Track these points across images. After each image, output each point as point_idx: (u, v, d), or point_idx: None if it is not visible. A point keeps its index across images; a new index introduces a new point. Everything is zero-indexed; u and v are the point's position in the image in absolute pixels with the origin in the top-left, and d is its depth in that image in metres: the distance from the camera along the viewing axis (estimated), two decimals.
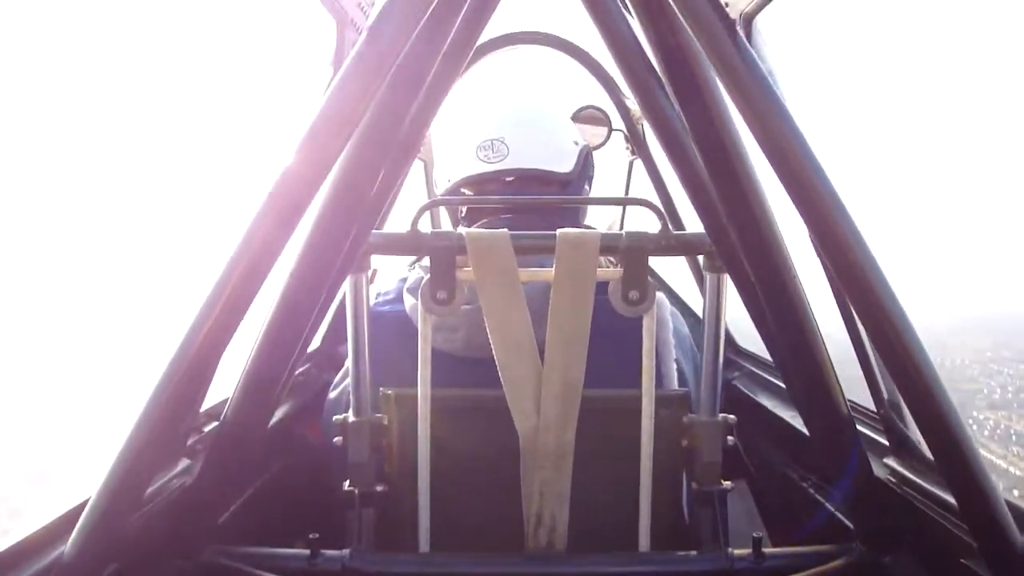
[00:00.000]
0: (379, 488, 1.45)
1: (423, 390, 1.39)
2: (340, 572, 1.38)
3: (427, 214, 1.45)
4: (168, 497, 1.38)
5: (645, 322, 1.38)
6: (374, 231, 1.37)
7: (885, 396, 1.48)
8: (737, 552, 1.39)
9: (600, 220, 3.37)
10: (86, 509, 1.14)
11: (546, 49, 2.77)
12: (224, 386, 1.40)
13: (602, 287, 1.37)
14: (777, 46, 1.49)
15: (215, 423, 1.53)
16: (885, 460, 1.48)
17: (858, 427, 1.50)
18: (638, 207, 1.47)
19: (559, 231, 1.34)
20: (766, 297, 1.30)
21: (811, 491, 1.81)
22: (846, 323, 1.45)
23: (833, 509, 1.66)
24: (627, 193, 3.17)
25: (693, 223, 1.37)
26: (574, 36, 2.75)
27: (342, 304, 1.53)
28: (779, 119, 1.02)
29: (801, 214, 1.07)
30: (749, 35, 1.47)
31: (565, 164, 1.70)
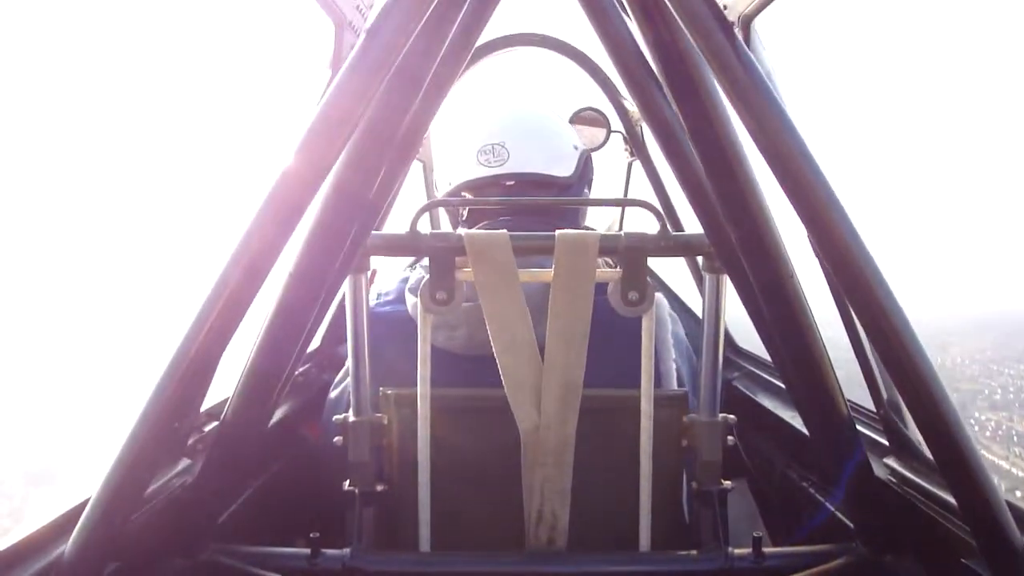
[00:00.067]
0: (379, 488, 1.45)
1: (423, 390, 1.39)
2: (340, 571, 1.38)
3: (426, 215, 1.45)
4: (168, 496, 1.38)
5: (644, 322, 1.38)
6: (373, 232, 1.38)
7: (885, 396, 1.48)
8: (737, 551, 1.39)
9: (599, 222, 3.37)
10: (87, 508, 1.14)
11: (544, 51, 2.77)
12: (225, 386, 1.40)
13: (601, 288, 1.38)
14: (776, 48, 1.49)
15: (215, 423, 1.53)
16: (885, 460, 1.48)
17: (858, 427, 1.50)
18: (637, 209, 1.47)
19: (558, 232, 1.35)
20: (765, 297, 1.30)
21: (811, 491, 1.81)
22: (845, 323, 1.45)
23: (833, 509, 1.66)
24: (626, 194, 3.18)
25: (692, 224, 1.37)
26: (573, 38, 2.75)
27: (342, 304, 1.53)
28: (777, 121, 1.02)
29: (799, 215, 1.07)
30: (747, 37, 1.47)
31: (565, 168, 1.71)
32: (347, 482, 1.46)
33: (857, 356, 1.49)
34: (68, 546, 1.15)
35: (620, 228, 2.67)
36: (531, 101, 1.83)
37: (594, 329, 1.35)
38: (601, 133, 2.74)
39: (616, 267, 1.40)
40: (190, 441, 1.51)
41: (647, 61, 1.18)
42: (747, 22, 1.46)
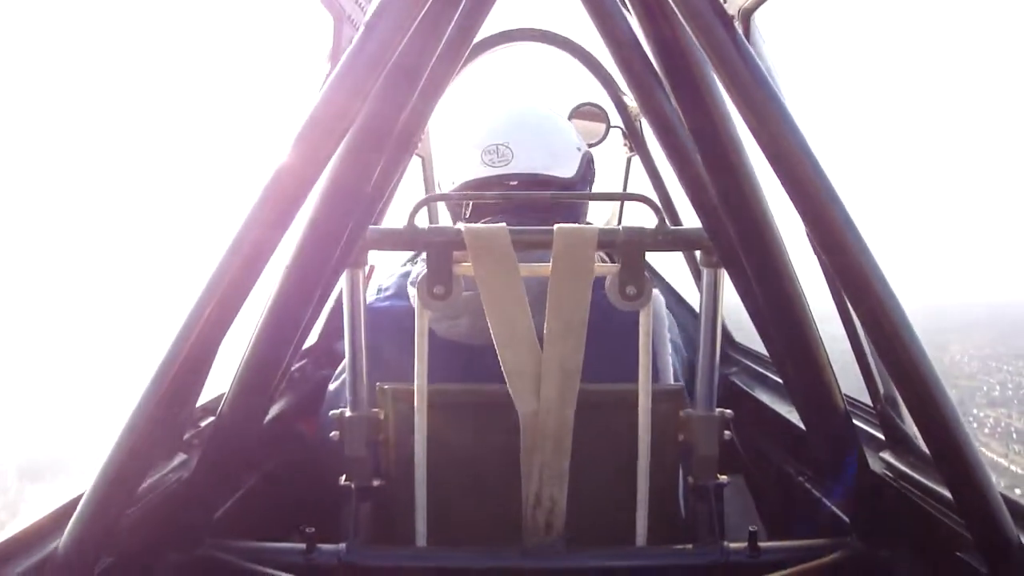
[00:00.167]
0: (375, 483, 1.45)
1: (419, 384, 1.39)
2: (336, 566, 1.38)
3: (425, 211, 1.45)
4: (164, 491, 1.38)
5: (642, 317, 1.38)
6: (371, 226, 1.38)
7: (881, 391, 1.48)
8: (733, 546, 1.39)
9: (598, 217, 3.37)
10: (81, 502, 1.14)
11: (544, 46, 2.77)
12: (222, 381, 1.40)
13: (599, 284, 1.38)
14: (776, 41, 1.49)
15: (211, 418, 1.53)
16: (881, 455, 1.48)
17: (854, 422, 1.50)
18: (636, 205, 1.47)
19: (557, 226, 1.35)
20: (763, 292, 1.30)
21: (807, 485, 1.81)
22: (842, 318, 1.45)
23: (829, 503, 1.67)
24: (625, 189, 3.17)
25: (691, 220, 1.37)
26: (572, 33, 2.75)
27: (340, 299, 1.53)
28: (776, 115, 1.02)
29: (798, 210, 1.07)
30: (747, 31, 1.47)
31: (568, 169, 1.72)
32: (343, 477, 1.45)
33: (854, 350, 1.49)
34: (62, 540, 1.14)
35: (619, 223, 2.68)
36: (534, 101, 1.83)
37: (591, 324, 1.35)
38: (600, 128, 2.74)
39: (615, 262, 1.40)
40: (186, 436, 1.51)
41: (647, 56, 1.18)
42: (747, 16, 1.46)
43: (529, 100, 1.83)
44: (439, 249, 1.36)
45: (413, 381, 1.40)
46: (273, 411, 1.94)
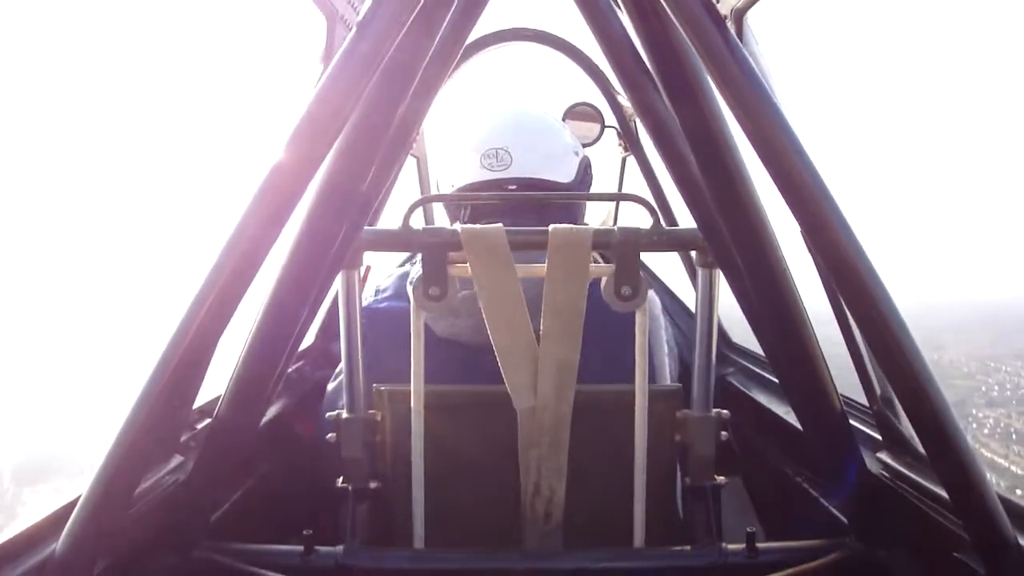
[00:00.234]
0: (372, 484, 1.45)
1: (416, 386, 1.39)
2: (333, 568, 1.38)
3: (420, 212, 1.45)
4: (161, 494, 1.38)
5: (638, 317, 1.38)
6: (366, 227, 1.37)
7: (878, 392, 1.48)
8: (730, 547, 1.39)
9: (594, 218, 3.37)
10: (78, 505, 1.14)
11: (538, 46, 2.77)
12: (219, 383, 1.40)
13: (594, 285, 1.38)
14: (770, 41, 1.49)
15: (208, 420, 1.53)
16: (878, 455, 1.48)
17: (851, 422, 1.50)
18: (632, 206, 1.47)
19: (552, 227, 1.35)
20: (758, 292, 1.30)
21: (805, 486, 1.81)
22: (838, 318, 1.45)
23: (827, 504, 1.67)
24: (620, 190, 3.17)
25: (686, 220, 1.37)
26: (565, 34, 2.75)
27: (337, 300, 1.53)
28: (769, 115, 1.02)
29: (792, 210, 1.07)
30: (740, 31, 1.47)
31: (566, 173, 1.72)
32: (340, 479, 1.45)
33: (850, 351, 1.49)
34: (59, 543, 1.14)
35: (614, 224, 2.68)
36: (533, 105, 1.84)
37: (587, 326, 1.35)
38: (595, 128, 2.74)
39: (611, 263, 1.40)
40: (183, 438, 1.51)
41: (640, 56, 1.18)
42: (739, 16, 1.46)
43: (527, 104, 1.84)
44: (435, 250, 1.36)
45: (411, 382, 1.40)
46: (270, 413, 1.94)
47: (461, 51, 1.33)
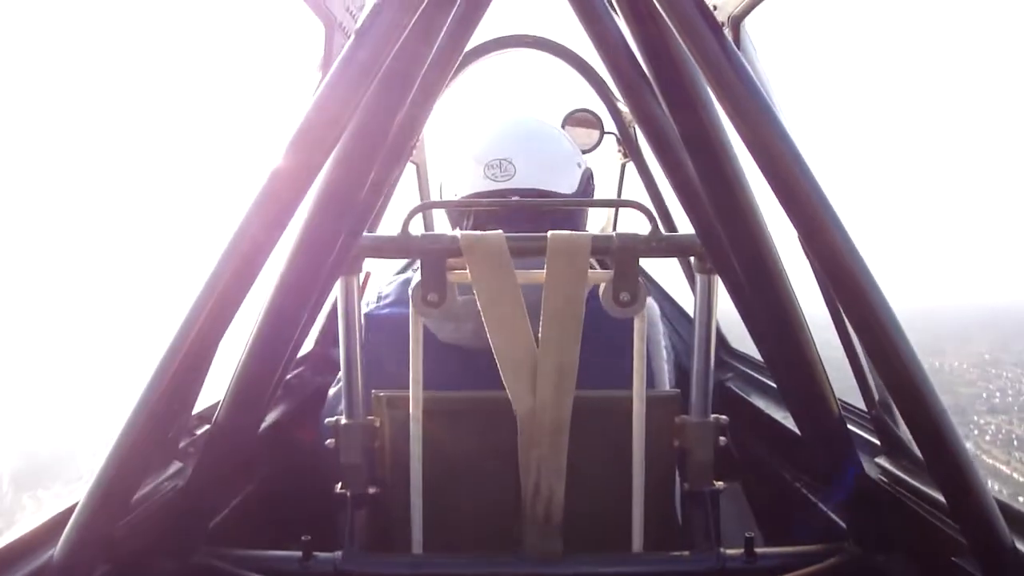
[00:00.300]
0: (371, 490, 1.45)
1: (415, 391, 1.39)
2: (332, 574, 1.38)
3: (420, 219, 1.45)
4: (160, 499, 1.38)
5: (636, 323, 1.39)
6: (365, 233, 1.38)
7: (876, 397, 1.49)
8: (729, 552, 1.39)
9: (594, 226, 3.38)
10: (76, 511, 1.14)
11: (538, 53, 2.77)
12: (219, 389, 1.40)
13: (593, 292, 1.38)
14: (767, 47, 1.50)
15: (207, 426, 1.53)
16: (877, 460, 1.48)
17: (850, 427, 1.50)
18: (632, 213, 1.48)
19: (550, 232, 1.35)
20: (756, 298, 1.30)
21: (803, 491, 1.81)
22: (835, 324, 1.46)
23: (825, 509, 1.67)
24: (619, 196, 3.18)
25: (686, 227, 1.38)
26: (564, 40, 2.75)
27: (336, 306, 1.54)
28: (767, 121, 1.02)
29: (789, 216, 1.08)
30: (737, 38, 1.48)
31: (568, 185, 1.73)
32: (339, 485, 1.46)
33: (848, 356, 1.49)
34: (58, 548, 1.14)
35: (614, 230, 2.68)
36: (536, 116, 1.85)
37: (586, 333, 1.35)
38: (595, 135, 2.75)
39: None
40: (182, 444, 1.51)
41: (638, 63, 1.19)
42: (736, 23, 1.46)
43: (531, 115, 1.85)
44: (434, 256, 1.36)
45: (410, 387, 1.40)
46: (270, 418, 1.94)
47: (460, 58, 1.33)
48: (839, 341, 1.50)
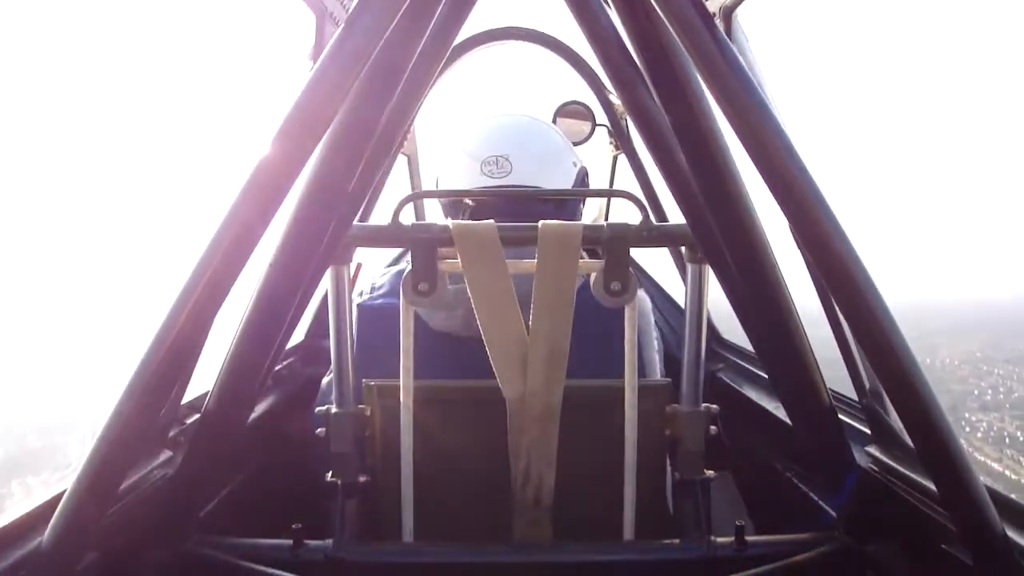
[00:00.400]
0: (362, 479, 1.45)
1: (405, 380, 1.39)
2: (323, 562, 1.38)
3: (411, 210, 1.45)
4: (150, 488, 1.38)
5: (627, 313, 1.39)
6: (355, 223, 1.38)
7: (867, 386, 1.49)
8: (720, 540, 1.40)
9: (586, 219, 3.37)
10: (64, 497, 1.13)
11: (529, 45, 2.77)
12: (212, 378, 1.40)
13: (584, 284, 1.39)
14: (763, 36, 1.50)
15: (197, 415, 1.53)
16: (867, 448, 1.48)
17: (840, 417, 1.50)
18: (623, 206, 1.48)
19: (541, 222, 1.35)
20: (747, 288, 1.30)
21: (794, 480, 1.82)
22: (827, 313, 1.46)
23: (816, 498, 1.67)
24: (611, 187, 3.18)
25: (677, 219, 1.38)
26: (555, 32, 2.75)
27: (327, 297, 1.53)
28: (758, 111, 1.02)
29: (781, 206, 1.08)
30: (728, 28, 1.48)
31: (564, 182, 1.75)
32: (330, 473, 1.46)
33: (839, 345, 1.49)
34: (46, 536, 1.14)
35: (605, 220, 2.68)
36: (532, 114, 1.87)
37: (576, 323, 1.36)
38: (586, 127, 2.75)
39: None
40: (171, 433, 1.50)
41: (629, 53, 1.19)
42: (728, 13, 1.46)
43: (527, 113, 1.86)
44: (424, 245, 1.36)
45: (415, 377, 1.41)
46: (260, 408, 1.94)
47: (450, 49, 1.33)
48: (831, 334, 1.50)
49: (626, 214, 1.50)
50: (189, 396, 1.55)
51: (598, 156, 3.12)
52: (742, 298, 1.34)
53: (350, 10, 1.04)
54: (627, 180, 2.95)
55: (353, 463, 1.45)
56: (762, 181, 1.06)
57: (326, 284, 1.44)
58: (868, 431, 1.53)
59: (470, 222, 1.38)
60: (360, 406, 1.46)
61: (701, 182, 1.22)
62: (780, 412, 1.94)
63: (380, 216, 2.28)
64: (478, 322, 1.36)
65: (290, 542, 1.39)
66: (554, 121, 2.71)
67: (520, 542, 1.41)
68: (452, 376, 1.49)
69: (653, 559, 1.41)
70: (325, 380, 1.72)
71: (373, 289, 1.70)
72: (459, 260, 1.35)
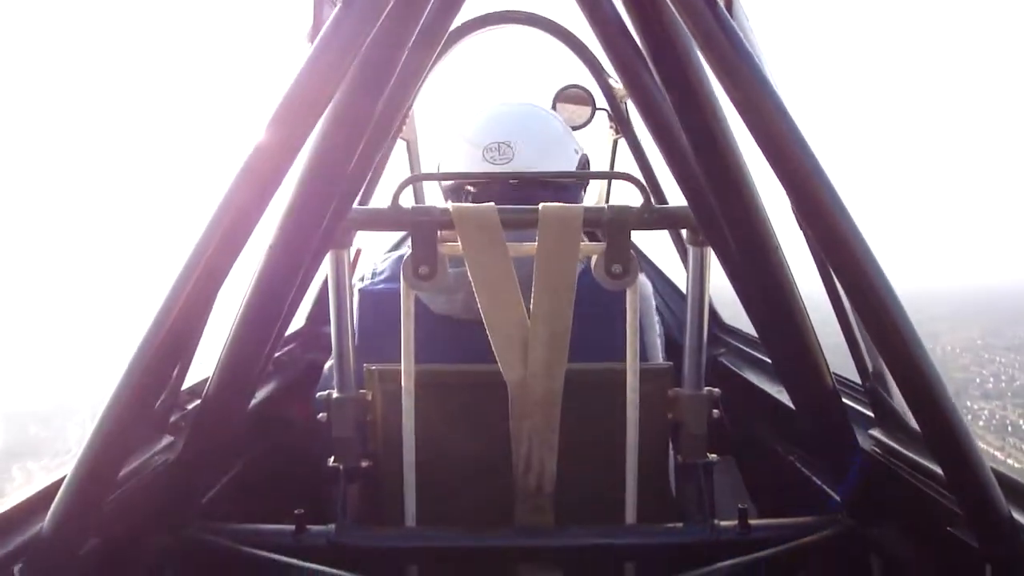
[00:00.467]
0: (364, 464, 1.45)
1: (407, 365, 1.39)
2: (325, 547, 1.38)
3: (411, 194, 1.45)
4: (151, 473, 1.38)
5: (628, 296, 1.38)
6: (354, 206, 1.37)
7: (870, 368, 1.48)
8: (723, 524, 1.40)
9: (587, 204, 3.37)
10: (64, 483, 1.13)
11: (528, 29, 2.76)
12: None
13: (586, 268, 1.38)
14: (761, 19, 1.48)
15: (198, 400, 1.53)
16: (871, 432, 1.48)
17: (843, 400, 1.50)
18: (624, 191, 1.48)
19: (542, 205, 1.35)
20: (749, 270, 1.30)
21: (797, 464, 1.81)
22: (830, 295, 1.45)
23: (819, 482, 1.67)
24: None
25: (678, 202, 1.37)
26: (556, 15, 2.73)
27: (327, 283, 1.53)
28: (762, 92, 1.01)
29: (784, 186, 1.07)
30: (730, 7, 1.47)
31: (565, 169, 1.75)
32: (331, 458, 1.45)
33: (842, 327, 1.48)
34: (46, 521, 1.13)
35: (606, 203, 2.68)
36: (534, 102, 1.87)
37: (578, 307, 1.35)
38: (586, 111, 2.74)
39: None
40: (172, 418, 1.50)
41: (631, 35, 1.18)
42: None
43: (529, 101, 1.86)
44: (424, 228, 1.36)
45: (416, 362, 1.40)
46: (261, 394, 1.94)
47: (448, 31, 1.32)
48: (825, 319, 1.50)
49: (626, 202, 1.51)
50: (191, 381, 1.54)
51: (598, 141, 3.11)
52: (744, 280, 1.33)
53: None
54: (626, 166, 2.95)
55: (355, 448, 1.45)
56: (764, 162, 1.05)
57: (326, 269, 1.44)
58: (871, 414, 1.52)
59: (470, 205, 1.38)
60: (361, 391, 1.46)
61: (703, 164, 1.21)
62: (782, 396, 1.93)
63: (380, 202, 2.28)
64: (479, 305, 1.35)
65: (292, 527, 1.38)
66: (553, 106, 2.71)
67: (521, 525, 1.41)
68: (453, 360, 1.49)
69: (656, 543, 1.41)
70: (327, 365, 1.72)
71: (374, 274, 1.70)
72: (459, 243, 1.34)
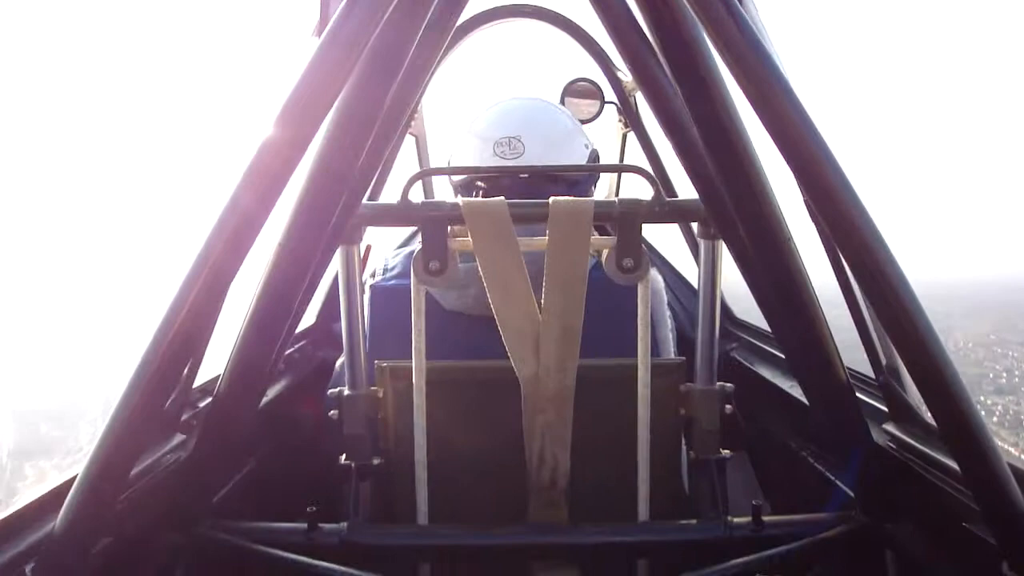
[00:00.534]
0: (375, 461, 1.45)
1: (417, 362, 1.38)
2: (337, 545, 1.38)
3: (420, 189, 1.44)
4: (163, 472, 1.38)
5: (640, 290, 1.38)
6: (364, 202, 1.36)
7: (884, 362, 1.47)
8: (736, 520, 1.39)
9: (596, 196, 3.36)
10: (76, 482, 1.13)
11: (536, 23, 2.75)
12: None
13: (596, 264, 1.38)
14: (773, 10, 1.47)
15: (210, 399, 1.53)
16: (884, 426, 1.47)
17: (857, 395, 1.48)
18: (634, 185, 1.47)
19: (552, 199, 1.34)
20: (762, 264, 1.28)
21: (811, 460, 1.80)
22: (843, 288, 1.44)
23: (833, 478, 1.66)
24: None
25: (687, 195, 1.36)
26: (563, 8, 2.73)
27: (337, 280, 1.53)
28: (774, 84, 1.00)
29: (796, 179, 1.06)
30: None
31: (576, 163, 1.74)
32: (343, 456, 1.45)
33: (855, 322, 1.47)
34: (59, 520, 1.14)
35: (616, 196, 2.67)
36: (544, 97, 1.88)
37: (589, 303, 1.35)
38: (595, 105, 2.73)
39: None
40: (184, 417, 1.50)
41: (641, 28, 1.17)
42: None
43: (539, 96, 1.87)
44: (435, 223, 1.35)
45: (427, 358, 1.40)
46: (272, 391, 1.94)
47: (456, 24, 1.32)
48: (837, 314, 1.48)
49: (636, 191, 1.50)
50: (202, 379, 1.54)
51: (607, 135, 3.10)
52: (756, 273, 1.32)
53: None
54: (635, 160, 2.93)
55: (366, 445, 1.45)
56: (776, 154, 1.04)
57: (336, 266, 1.43)
58: (885, 409, 1.51)
59: (480, 200, 1.37)
60: (373, 388, 1.45)
61: (714, 156, 1.20)
62: (795, 391, 1.92)
63: (389, 198, 2.27)
64: (490, 301, 1.35)
65: (304, 525, 1.38)
66: (562, 100, 2.71)
67: (535, 523, 1.40)
68: (465, 356, 1.49)
69: (669, 539, 1.41)
70: (339, 362, 1.72)
71: (385, 270, 1.70)
72: (470, 238, 1.34)
